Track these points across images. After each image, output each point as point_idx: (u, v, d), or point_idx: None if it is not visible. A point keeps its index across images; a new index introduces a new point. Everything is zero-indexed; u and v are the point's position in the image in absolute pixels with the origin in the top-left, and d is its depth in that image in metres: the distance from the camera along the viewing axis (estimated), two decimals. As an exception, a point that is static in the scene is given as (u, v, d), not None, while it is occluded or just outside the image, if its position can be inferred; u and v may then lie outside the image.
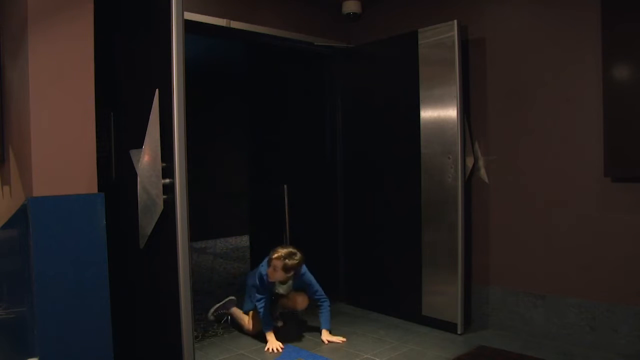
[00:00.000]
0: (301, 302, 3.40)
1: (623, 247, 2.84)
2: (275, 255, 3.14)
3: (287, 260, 3.10)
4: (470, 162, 3.43)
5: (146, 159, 2.10)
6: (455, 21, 3.22)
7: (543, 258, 3.17)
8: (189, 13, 2.96)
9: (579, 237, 3.02)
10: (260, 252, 5.11)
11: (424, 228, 3.49)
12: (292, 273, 3.15)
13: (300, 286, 3.32)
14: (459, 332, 3.28)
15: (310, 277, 3.32)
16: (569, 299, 3.05)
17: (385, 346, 3.13)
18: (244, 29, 3.49)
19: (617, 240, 2.86)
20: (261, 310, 3.20)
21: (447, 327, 3.33)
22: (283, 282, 3.20)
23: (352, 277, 4.10)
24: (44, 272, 1.86)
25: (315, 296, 3.32)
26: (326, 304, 3.31)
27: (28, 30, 1.90)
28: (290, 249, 3.19)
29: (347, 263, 4.14)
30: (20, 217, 2.00)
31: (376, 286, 3.86)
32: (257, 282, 3.22)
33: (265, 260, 3.24)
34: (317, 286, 3.32)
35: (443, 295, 3.38)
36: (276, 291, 3.24)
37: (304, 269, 3.28)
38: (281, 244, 4.08)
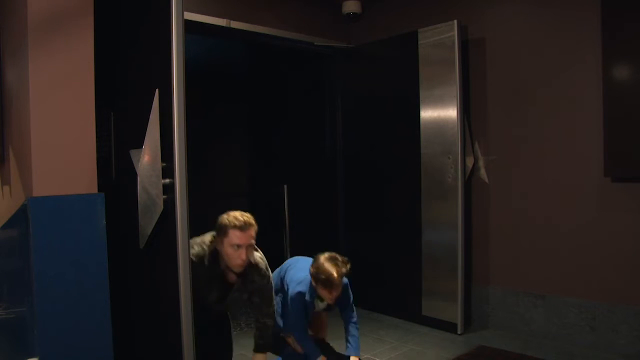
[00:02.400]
0: (324, 329, 3.00)
1: (623, 247, 2.84)
2: (335, 275, 2.61)
3: (343, 270, 2.66)
4: (470, 162, 3.43)
5: (146, 159, 2.09)
6: (455, 21, 3.22)
7: (543, 258, 3.17)
8: (189, 13, 2.95)
9: (578, 237, 3.02)
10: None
11: (424, 228, 3.49)
12: None
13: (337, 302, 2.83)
14: (459, 332, 3.28)
15: (350, 292, 2.87)
16: (569, 299, 3.05)
17: (385, 346, 3.13)
18: (244, 29, 3.49)
19: (617, 240, 2.86)
20: (302, 335, 2.78)
21: (447, 327, 3.33)
22: (322, 299, 2.78)
23: (351, 277, 4.09)
24: (44, 272, 1.85)
25: (350, 318, 2.84)
26: (357, 327, 2.86)
27: (28, 29, 1.89)
28: (330, 255, 2.72)
29: (347, 263, 4.14)
30: (20, 217, 2.00)
31: (376, 286, 3.86)
32: (298, 307, 2.74)
33: (298, 281, 2.78)
34: (354, 308, 2.88)
35: (443, 295, 3.38)
36: (315, 309, 2.84)
37: (346, 279, 2.82)
38: (281, 244, 4.08)
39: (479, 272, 3.48)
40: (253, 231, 2.44)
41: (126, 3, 2.39)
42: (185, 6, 2.04)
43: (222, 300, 2.55)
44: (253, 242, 2.45)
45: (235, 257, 2.40)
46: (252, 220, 2.45)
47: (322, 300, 2.76)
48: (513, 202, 3.32)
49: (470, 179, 3.48)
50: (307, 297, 2.73)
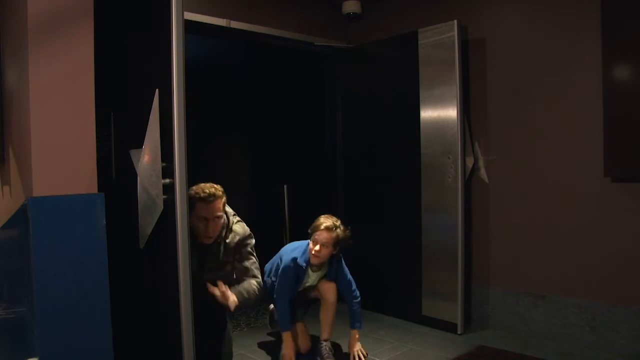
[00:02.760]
0: (329, 289, 2.81)
1: (623, 247, 2.84)
2: (324, 225, 2.59)
3: (339, 231, 2.61)
4: (470, 162, 3.43)
5: (146, 159, 2.09)
6: (455, 21, 3.22)
7: (543, 258, 3.17)
8: (189, 13, 2.96)
9: (578, 237, 3.01)
10: (259, 252, 5.12)
11: (424, 228, 3.49)
12: (335, 251, 2.66)
13: (330, 279, 2.85)
14: (459, 332, 3.28)
15: (346, 269, 2.81)
16: (569, 299, 3.05)
17: (385, 346, 3.13)
18: (244, 29, 3.49)
19: (617, 240, 2.86)
20: (281, 302, 2.68)
21: (447, 327, 3.33)
22: (315, 270, 2.75)
23: (352, 277, 4.09)
24: (44, 272, 1.85)
25: (347, 294, 2.82)
26: (357, 301, 2.86)
27: (28, 29, 1.89)
28: (336, 219, 2.67)
29: (347, 263, 4.13)
30: (20, 217, 2.00)
31: (376, 286, 3.86)
32: (287, 273, 2.68)
33: (293, 248, 2.78)
34: (353, 282, 2.82)
35: (443, 295, 3.38)
36: (304, 284, 2.77)
37: (340, 256, 2.80)
38: (281, 244, 4.08)
39: (479, 272, 3.48)
40: (220, 203, 2.39)
41: (126, 3, 2.39)
42: (185, 6, 2.04)
43: (204, 265, 2.52)
44: (220, 214, 2.41)
45: (203, 230, 2.38)
46: (219, 192, 2.41)
47: (312, 272, 2.76)
48: (513, 202, 3.32)
49: (470, 179, 3.47)
50: (299, 261, 2.70)
